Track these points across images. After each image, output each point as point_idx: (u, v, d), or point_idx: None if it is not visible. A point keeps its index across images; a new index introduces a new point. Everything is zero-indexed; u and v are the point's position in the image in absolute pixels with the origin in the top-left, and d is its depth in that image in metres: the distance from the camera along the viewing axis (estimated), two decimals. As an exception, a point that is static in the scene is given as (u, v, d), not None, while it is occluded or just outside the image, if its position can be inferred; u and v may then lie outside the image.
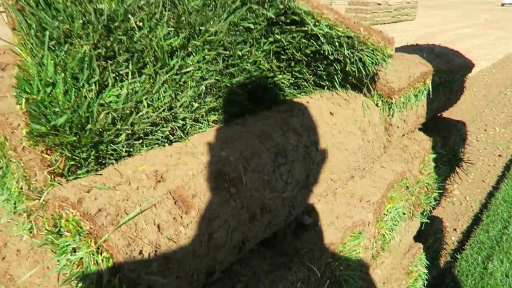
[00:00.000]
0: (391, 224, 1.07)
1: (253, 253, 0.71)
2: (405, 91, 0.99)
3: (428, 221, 1.48)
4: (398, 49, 1.40)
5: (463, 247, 2.32)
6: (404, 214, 1.15)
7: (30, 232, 0.70)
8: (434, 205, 1.26)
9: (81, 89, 0.53)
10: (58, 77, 0.51)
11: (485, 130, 4.21)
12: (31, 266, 0.78)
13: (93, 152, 0.57)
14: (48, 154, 0.57)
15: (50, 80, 0.50)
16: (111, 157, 0.60)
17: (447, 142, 1.33)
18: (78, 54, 0.51)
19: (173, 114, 0.65)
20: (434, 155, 1.21)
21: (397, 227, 1.10)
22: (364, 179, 0.98)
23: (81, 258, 0.53)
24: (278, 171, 0.67)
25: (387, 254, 1.13)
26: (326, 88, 0.89)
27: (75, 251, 0.53)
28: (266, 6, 0.66)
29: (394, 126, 1.02)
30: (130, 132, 0.60)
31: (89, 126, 0.54)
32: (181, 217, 0.54)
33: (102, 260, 0.49)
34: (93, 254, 0.50)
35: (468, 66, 1.35)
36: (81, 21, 0.51)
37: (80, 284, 0.54)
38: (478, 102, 5.12)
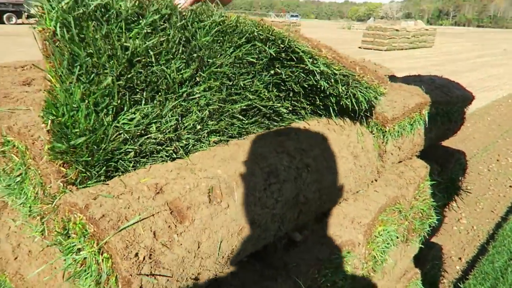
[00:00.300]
0: (383, 246, 1.11)
1: (243, 264, 0.77)
2: (399, 120, 1.05)
3: (424, 246, 1.50)
4: (400, 79, 1.46)
5: (467, 277, 2.31)
6: (397, 237, 1.19)
7: (42, 234, 0.77)
8: (428, 231, 1.29)
9: (99, 113, 0.61)
10: (82, 103, 0.58)
11: (497, 160, 4.19)
12: (40, 266, 0.84)
13: (104, 167, 0.65)
14: (64, 167, 0.64)
15: (75, 106, 0.58)
16: (118, 171, 0.67)
17: (445, 170, 1.37)
18: (103, 84, 0.59)
19: (177, 135, 0.72)
20: (430, 182, 1.25)
21: (390, 250, 1.14)
22: (357, 201, 1.03)
23: (85, 258, 0.59)
24: (269, 189, 0.73)
25: (380, 276, 1.16)
26: (322, 115, 0.95)
27: (79, 251, 0.60)
28: (268, 44, 0.73)
29: (388, 153, 1.07)
30: (138, 150, 0.68)
31: (103, 146, 0.61)
32: (175, 226, 0.60)
33: (102, 260, 0.56)
34: (95, 254, 0.57)
35: (467, 98, 1.40)
36: (107, 55, 0.58)
37: (82, 281, 0.61)
38: (492, 131, 5.10)
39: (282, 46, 0.74)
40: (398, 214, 1.13)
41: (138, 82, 0.64)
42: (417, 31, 20.33)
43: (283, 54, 0.76)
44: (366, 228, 0.98)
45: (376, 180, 1.16)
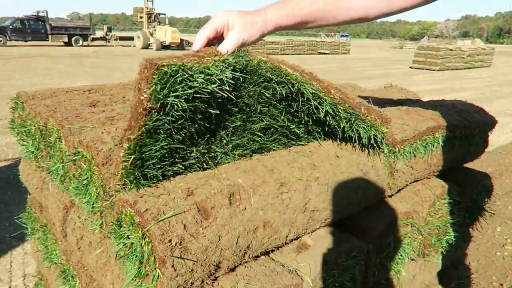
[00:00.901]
0: (397, 258, 1.20)
1: (258, 260, 0.91)
2: (409, 142, 1.16)
3: (449, 265, 1.56)
4: (422, 104, 1.56)
5: (505, 303, 2.25)
6: (413, 251, 1.27)
7: (100, 227, 0.97)
8: (446, 247, 1.35)
9: (166, 149, 0.79)
10: (162, 146, 0.77)
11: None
12: (98, 255, 1.04)
13: (153, 179, 0.83)
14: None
15: (157, 149, 0.76)
16: (162, 178, 0.85)
17: (465, 191, 1.43)
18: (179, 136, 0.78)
19: (208, 149, 0.90)
20: (447, 201, 1.33)
21: (403, 261, 1.23)
22: (369, 214, 1.15)
23: (132, 242, 0.77)
24: (281, 196, 0.88)
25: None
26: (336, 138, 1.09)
27: (128, 238, 0.77)
28: (281, 85, 0.89)
29: (400, 171, 1.18)
30: (182, 166, 0.86)
31: (158, 166, 0.80)
32: (201, 221, 0.77)
33: (145, 243, 0.73)
34: (139, 239, 0.74)
35: (488, 122, 1.46)
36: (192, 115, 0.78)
37: (129, 262, 0.78)
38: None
39: (293, 89, 0.89)
40: (411, 228, 1.22)
41: (193, 120, 0.81)
42: (473, 50, 19.54)
43: (293, 94, 0.92)
44: (376, 238, 1.09)
45: (391, 196, 1.26)
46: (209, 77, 0.75)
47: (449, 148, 1.34)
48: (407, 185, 1.31)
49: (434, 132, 1.24)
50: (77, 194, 1.03)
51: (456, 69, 18.86)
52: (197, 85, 0.73)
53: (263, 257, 0.95)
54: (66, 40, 26.80)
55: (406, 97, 1.72)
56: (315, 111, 0.92)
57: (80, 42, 27.14)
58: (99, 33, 30.12)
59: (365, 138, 0.94)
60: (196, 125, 0.81)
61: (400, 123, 1.20)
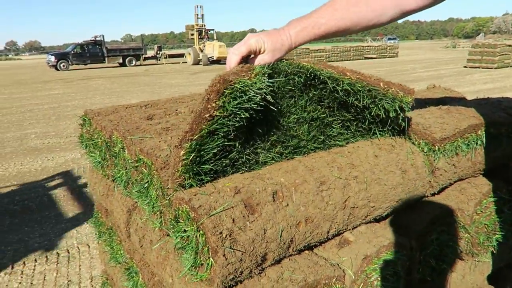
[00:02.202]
0: (442, 256, 1.21)
1: (302, 254, 0.98)
2: (450, 140, 1.17)
3: (503, 266, 1.52)
4: (467, 102, 1.55)
5: None
6: (460, 250, 1.28)
7: (160, 225, 1.09)
8: (495, 246, 1.33)
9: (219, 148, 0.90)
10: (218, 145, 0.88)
11: None
12: (158, 251, 1.16)
13: (208, 179, 0.93)
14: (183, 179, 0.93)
15: (213, 149, 0.88)
16: (212, 178, 0.96)
17: (515, 189, 1.41)
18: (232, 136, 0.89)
19: (252, 147, 0.99)
20: (494, 199, 1.32)
21: (450, 260, 1.24)
22: (411, 211, 1.17)
23: (188, 236, 0.87)
24: (321, 194, 0.95)
25: (443, 286, 1.26)
26: (372, 133, 1.14)
27: (185, 231, 0.88)
28: (299, 75, 0.98)
29: (441, 170, 1.19)
30: (228, 163, 0.96)
31: (212, 166, 0.91)
32: (248, 216, 0.85)
33: (199, 235, 0.83)
34: (194, 232, 0.84)
35: (540, 118, 1.42)
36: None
37: (186, 253, 0.89)
38: None
39: (309, 75, 0.98)
40: (456, 226, 1.22)
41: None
42: (535, 44, 18.26)
43: (312, 81, 1.00)
44: (418, 235, 1.12)
45: (434, 194, 1.28)
46: (258, 90, 0.86)
47: (495, 146, 1.33)
48: (451, 183, 1.31)
49: (476, 130, 1.25)
50: (139, 196, 1.16)
51: (517, 65, 17.69)
52: (252, 96, 0.86)
53: (307, 251, 1.01)
54: (120, 61, 28.50)
55: (450, 96, 1.71)
56: (335, 94, 0.99)
57: (133, 62, 28.74)
58: (150, 53, 31.69)
59: (392, 111, 0.99)
60: (245, 128, 0.92)
61: (440, 122, 1.22)
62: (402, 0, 0.93)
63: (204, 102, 0.84)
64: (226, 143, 0.90)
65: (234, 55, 0.95)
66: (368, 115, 1.06)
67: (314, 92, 1.05)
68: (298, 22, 0.98)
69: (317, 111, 1.09)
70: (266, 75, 0.91)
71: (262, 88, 0.88)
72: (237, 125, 0.87)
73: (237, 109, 0.85)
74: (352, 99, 1.00)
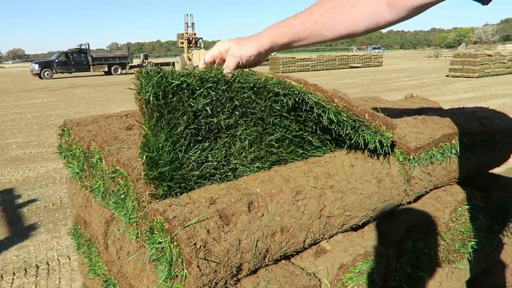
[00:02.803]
0: (419, 263, 1.23)
1: (278, 264, 0.98)
2: (424, 149, 1.20)
3: (480, 273, 1.54)
4: (442, 112, 1.59)
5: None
6: (437, 258, 1.29)
7: (137, 237, 1.08)
8: (470, 253, 1.36)
9: (176, 150, 0.90)
10: (165, 143, 0.88)
11: None
12: (135, 263, 1.14)
13: (179, 188, 0.93)
14: (154, 188, 0.93)
15: (161, 146, 0.87)
16: (187, 189, 0.95)
17: (490, 196, 1.44)
18: (177, 131, 0.88)
19: (227, 160, 0.99)
20: (469, 207, 1.34)
21: (426, 267, 1.26)
22: (387, 220, 1.19)
23: (163, 247, 0.87)
24: (297, 203, 0.95)
25: (419, 293, 1.27)
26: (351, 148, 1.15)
27: (159, 242, 0.87)
28: (288, 97, 0.98)
29: (416, 178, 1.22)
30: (200, 174, 0.96)
31: (179, 172, 0.90)
32: (223, 226, 0.85)
33: (173, 247, 0.83)
34: (168, 243, 0.84)
35: None
36: (181, 112, 0.88)
37: (160, 264, 0.88)
38: None
39: (297, 99, 0.97)
40: (432, 233, 1.24)
41: (200, 128, 0.92)
42: (514, 54, 18.79)
43: (299, 104, 1.00)
44: (395, 242, 1.13)
45: (410, 203, 1.30)
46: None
47: (469, 155, 1.36)
48: (427, 192, 1.34)
49: (450, 139, 1.28)
50: (116, 208, 1.14)
51: (497, 75, 18.16)
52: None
53: (283, 261, 1.01)
54: (106, 69, 28.30)
55: (427, 106, 1.75)
56: (320, 119, 0.99)
57: (119, 70, 28.57)
58: (136, 61, 31.58)
59: (372, 144, 1.00)
60: (201, 130, 0.93)
61: (415, 131, 1.25)
62: (376, 12, 0.95)
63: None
64: (174, 139, 0.89)
65: (201, 64, 0.99)
66: (347, 140, 1.07)
67: (300, 114, 1.05)
68: (272, 25, 1.01)
69: (300, 131, 1.10)
70: (208, 81, 0.90)
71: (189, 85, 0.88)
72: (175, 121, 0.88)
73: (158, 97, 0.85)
74: (335, 126, 1.01)
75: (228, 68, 0.95)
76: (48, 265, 3.00)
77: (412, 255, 1.20)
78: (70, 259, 3.07)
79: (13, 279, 2.84)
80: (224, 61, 1.00)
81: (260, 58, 1.02)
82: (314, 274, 0.98)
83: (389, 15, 0.92)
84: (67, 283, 2.75)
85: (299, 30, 0.97)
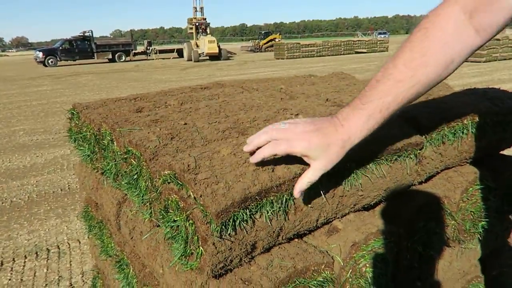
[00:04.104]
0: (430, 243, 1.24)
1: (291, 242, 0.99)
2: (436, 129, 1.19)
3: (489, 252, 1.55)
4: (454, 94, 1.57)
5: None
6: (446, 236, 1.30)
7: (150, 216, 1.09)
8: (480, 233, 1.36)
9: None
10: None
11: None
12: (148, 242, 1.16)
13: None
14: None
15: None
16: None
17: (500, 177, 1.43)
18: None
19: None
20: (480, 187, 1.34)
21: (437, 247, 1.26)
22: (399, 200, 1.19)
23: (178, 225, 0.88)
24: (310, 183, 0.95)
25: (430, 271, 1.28)
26: None
27: (174, 221, 0.88)
28: None
29: (428, 158, 1.21)
30: None
31: None
32: (237, 205, 0.86)
33: (188, 225, 0.83)
34: (184, 221, 0.85)
35: (525, 108, 1.45)
36: None
37: (175, 242, 0.89)
38: None
39: None
40: (444, 213, 1.25)
41: None
42: (523, 37, 18.49)
43: None
44: (406, 222, 1.13)
45: (421, 183, 1.29)
46: None
47: (480, 135, 1.35)
48: (438, 172, 1.33)
49: (462, 119, 1.27)
50: (128, 188, 1.15)
51: (505, 59, 17.92)
52: None
53: (296, 239, 1.02)
54: (110, 57, 28.24)
55: (437, 87, 1.73)
56: None
57: (123, 57, 28.52)
58: (140, 48, 31.48)
59: None
60: None
61: (427, 112, 1.24)
62: (468, 44, 0.76)
63: None
64: None
65: (259, 152, 0.83)
66: None
67: None
68: (357, 105, 0.78)
69: None
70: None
71: None
72: None
73: None
74: None
75: (302, 184, 0.82)
76: (59, 248, 3.05)
77: (423, 235, 1.20)
78: (80, 242, 3.12)
79: (24, 262, 2.89)
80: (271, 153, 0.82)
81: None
82: (327, 251, 0.98)
83: (480, 40, 0.76)
84: (77, 266, 2.79)
85: (396, 108, 0.78)
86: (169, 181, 0.90)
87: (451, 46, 0.75)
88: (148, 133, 1.12)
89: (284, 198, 0.89)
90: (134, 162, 1.09)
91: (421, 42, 0.76)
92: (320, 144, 0.76)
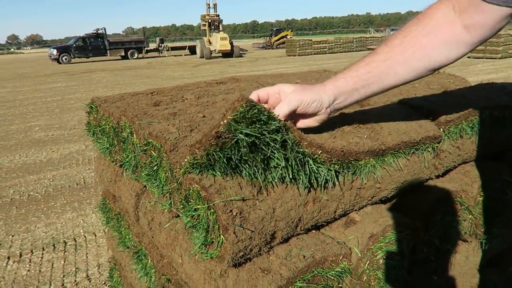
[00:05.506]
0: (446, 236, 1.23)
1: (309, 233, 1.00)
2: (454, 123, 1.19)
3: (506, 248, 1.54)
4: (471, 88, 1.56)
5: None
6: (463, 231, 1.30)
7: (169, 206, 1.11)
8: (498, 227, 1.35)
9: None
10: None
11: None
12: (167, 233, 1.18)
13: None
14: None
15: None
16: None
17: (518, 172, 1.42)
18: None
19: None
20: (498, 182, 1.33)
21: (454, 241, 1.26)
22: (416, 193, 1.19)
23: (199, 214, 0.89)
24: (328, 174, 0.96)
25: (445, 265, 1.28)
26: None
27: (195, 210, 0.90)
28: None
29: (446, 152, 1.21)
30: None
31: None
32: (257, 195, 0.87)
33: (210, 214, 0.85)
34: (205, 211, 0.86)
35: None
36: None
37: (196, 231, 0.91)
38: None
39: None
40: (461, 208, 1.24)
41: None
42: (540, 33, 18.10)
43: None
44: (423, 215, 1.13)
45: (439, 177, 1.29)
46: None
47: (499, 129, 1.34)
48: (455, 166, 1.33)
49: (481, 113, 1.26)
50: (148, 180, 1.18)
51: (521, 55, 17.58)
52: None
53: (313, 231, 1.03)
54: (122, 54, 28.47)
55: (454, 82, 1.72)
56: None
57: (136, 55, 28.73)
58: (152, 45, 31.63)
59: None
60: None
61: (445, 105, 1.23)
62: (454, 38, 0.82)
63: (222, 116, 0.80)
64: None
65: (252, 94, 0.90)
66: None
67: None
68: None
69: None
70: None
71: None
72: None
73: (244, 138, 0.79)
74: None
75: (282, 111, 0.85)
76: (75, 241, 3.11)
77: (440, 228, 1.20)
78: (95, 236, 3.17)
79: (42, 254, 2.95)
80: (277, 102, 0.89)
81: (321, 109, 0.89)
82: (344, 243, 0.99)
83: (470, 37, 0.81)
84: (94, 258, 2.85)
85: (366, 71, 0.87)
86: (189, 171, 0.92)
87: (435, 32, 0.82)
88: (168, 125, 1.14)
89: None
90: (154, 154, 1.11)
91: (408, 27, 0.85)
92: (301, 85, 0.89)
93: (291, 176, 0.88)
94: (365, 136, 1.04)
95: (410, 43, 0.83)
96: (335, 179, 0.96)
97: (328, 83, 0.89)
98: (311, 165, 0.90)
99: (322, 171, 0.92)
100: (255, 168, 0.85)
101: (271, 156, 0.85)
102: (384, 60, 0.85)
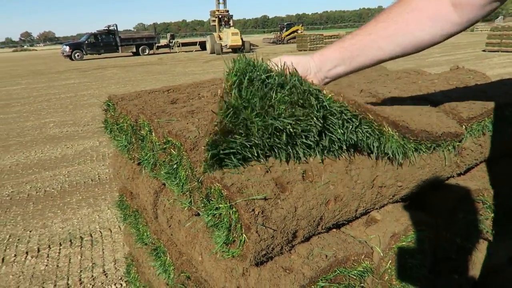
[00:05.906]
0: (468, 235, 1.22)
1: (330, 232, 1.00)
2: (477, 120, 1.16)
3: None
4: (492, 83, 1.53)
5: None
6: (485, 229, 1.28)
7: (190, 204, 1.11)
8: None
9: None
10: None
11: None
12: (186, 231, 1.19)
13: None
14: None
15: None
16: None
17: (541, 170, 1.39)
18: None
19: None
20: (521, 180, 1.31)
21: (475, 239, 1.24)
22: (437, 192, 1.18)
23: (220, 213, 0.89)
24: (350, 173, 0.95)
25: (467, 263, 1.26)
26: None
27: (217, 209, 0.90)
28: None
29: (468, 149, 1.19)
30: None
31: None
32: (279, 194, 0.87)
33: (232, 213, 0.85)
34: (227, 210, 0.86)
35: None
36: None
37: (218, 230, 0.91)
38: None
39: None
40: (483, 206, 1.22)
41: None
42: (557, 26, 17.67)
43: None
44: (445, 213, 1.12)
45: (460, 175, 1.27)
46: None
47: (522, 126, 1.32)
48: (477, 164, 1.31)
49: (503, 110, 1.23)
50: (167, 178, 1.18)
51: (537, 48, 17.17)
52: None
53: (334, 230, 1.03)
54: (134, 50, 28.61)
55: (474, 78, 1.68)
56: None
57: (147, 51, 28.85)
58: (163, 41, 31.72)
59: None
60: None
61: (466, 102, 1.21)
62: (440, 15, 0.81)
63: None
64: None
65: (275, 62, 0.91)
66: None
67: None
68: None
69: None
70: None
71: None
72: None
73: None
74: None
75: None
76: (92, 236, 3.15)
77: (462, 227, 1.18)
78: (111, 231, 3.21)
79: (59, 249, 3.00)
80: None
81: (309, 74, 0.93)
82: (366, 242, 0.99)
83: (457, 16, 0.79)
84: (110, 254, 2.88)
85: (351, 43, 0.90)
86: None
87: (420, 8, 0.82)
88: (187, 123, 1.14)
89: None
90: (174, 152, 1.11)
91: (397, 2, 0.86)
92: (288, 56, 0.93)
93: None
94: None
95: (393, 19, 0.85)
96: (359, 176, 0.95)
97: (317, 52, 0.95)
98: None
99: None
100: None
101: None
102: (369, 34, 0.88)
